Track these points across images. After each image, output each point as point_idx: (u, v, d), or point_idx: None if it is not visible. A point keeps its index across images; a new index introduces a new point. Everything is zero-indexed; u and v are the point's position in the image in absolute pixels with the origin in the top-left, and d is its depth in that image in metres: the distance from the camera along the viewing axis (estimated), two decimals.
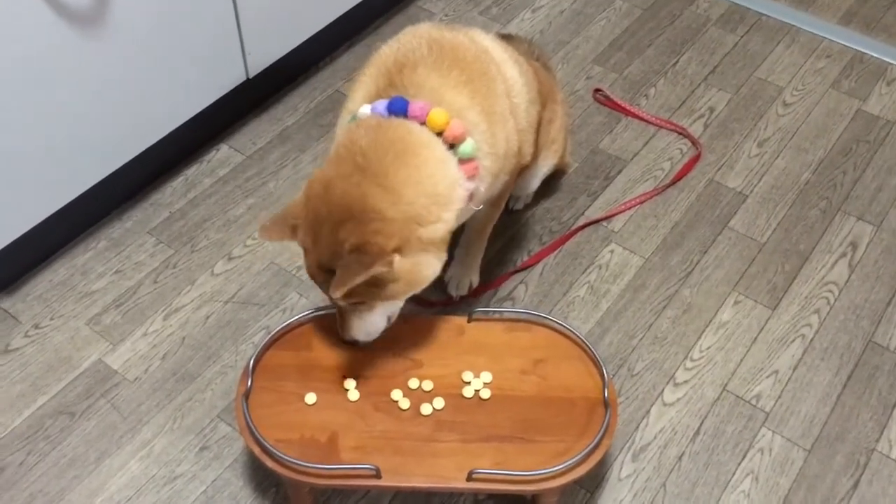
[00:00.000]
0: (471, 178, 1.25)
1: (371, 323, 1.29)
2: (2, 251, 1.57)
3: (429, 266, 1.23)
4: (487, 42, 1.40)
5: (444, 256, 1.26)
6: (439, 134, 1.22)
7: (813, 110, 2.03)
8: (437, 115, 1.21)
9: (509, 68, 1.39)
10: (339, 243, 1.17)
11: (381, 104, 1.24)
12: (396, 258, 1.17)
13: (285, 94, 2.02)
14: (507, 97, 1.34)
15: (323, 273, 1.22)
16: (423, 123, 1.22)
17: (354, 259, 1.14)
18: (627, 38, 2.20)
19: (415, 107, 1.22)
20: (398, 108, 1.22)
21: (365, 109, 1.26)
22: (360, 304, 1.25)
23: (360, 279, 1.13)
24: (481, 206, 1.35)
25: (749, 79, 2.10)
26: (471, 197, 1.27)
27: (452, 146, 1.23)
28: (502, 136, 1.31)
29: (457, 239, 1.63)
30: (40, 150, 1.52)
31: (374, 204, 1.16)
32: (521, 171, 1.48)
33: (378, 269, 1.14)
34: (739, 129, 1.99)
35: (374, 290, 1.20)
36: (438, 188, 1.20)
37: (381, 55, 1.33)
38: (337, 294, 1.14)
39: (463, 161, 1.24)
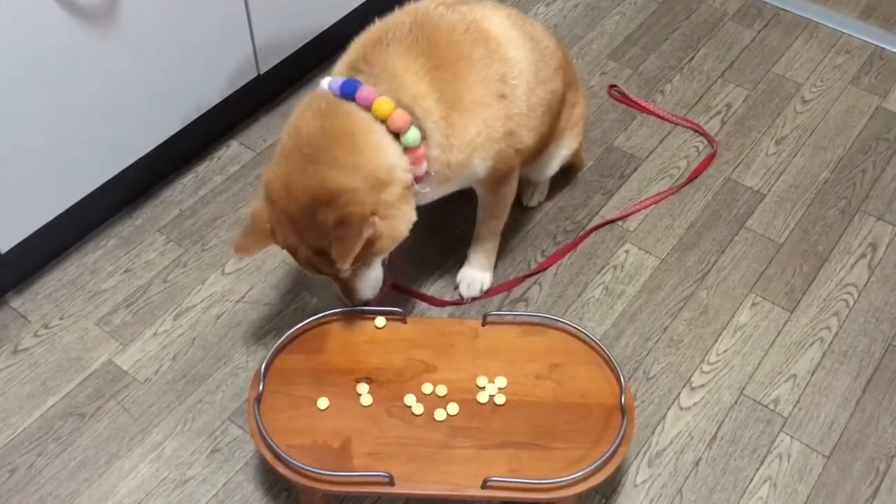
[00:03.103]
0: (416, 164, 1.30)
1: (374, 278, 1.38)
2: (11, 250, 1.56)
3: (403, 221, 1.32)
4: (493, 22, 1.38)
5: (411, 215, 1.33)
6: (384, 121, 1.27)
7: (832, 107, 2.00)
8: (381, 105, 1.26)
9: (514, 49, 1.37)
10: (322, 226, 1.25)
11: (337, 82, 1.29)
12: (377, 219, 1.27)
13: (296, 91, 2.00)
14: (500, 81, 1.34)
15: (319, 257, 1.29)
16: (368, 109, 1.27)
17: (344, 231, 1.23)
18: (643, 33, 2.17)
19: (362, 93, 1.27)
20: (348, 91, 1.28)
21: (323, 83, 1.31)
22: (361, 267, 1.34)
23: (358, 246, 1.23)
24: (428, 189, 1.36)
25: (767, 75, 2.07)
26: (418, 180, 1.32)
27: (398, 134, 1.28)
28: (473, 122, 1.32)
29: (468, 240, 1.61)
30: (50, 148, 1.50)
31: (336, 183, 1.24)
32: (525, 157, 1.46)
33: (369, 232, 1.25)
34: (757, 127, 1.96)
35: (368, 249, 1.29)
36: (378, 172, 1.26)
37: (370, 28, 1.38)
38: (345, 265, 1.24)
39: (409, 149, 1.29)
